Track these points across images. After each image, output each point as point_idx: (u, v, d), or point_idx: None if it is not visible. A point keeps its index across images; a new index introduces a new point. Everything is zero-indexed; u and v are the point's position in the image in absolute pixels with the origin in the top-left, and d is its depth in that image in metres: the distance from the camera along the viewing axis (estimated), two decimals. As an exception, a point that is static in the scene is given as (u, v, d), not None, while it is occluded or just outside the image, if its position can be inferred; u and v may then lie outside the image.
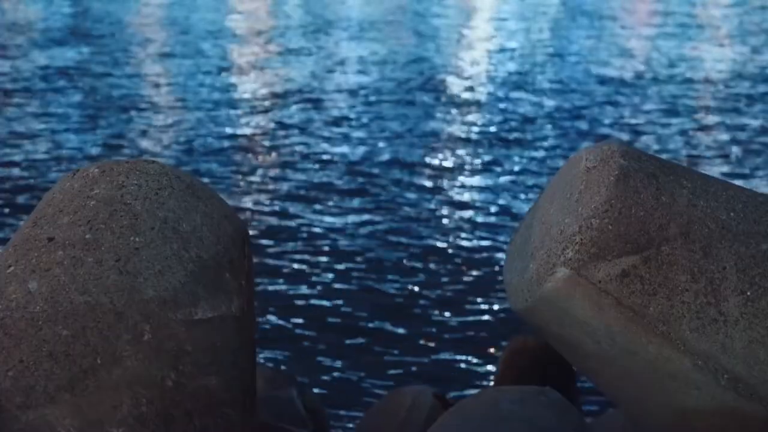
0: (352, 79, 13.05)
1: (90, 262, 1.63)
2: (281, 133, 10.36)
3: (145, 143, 9.91)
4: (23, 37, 15.56)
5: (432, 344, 5.71)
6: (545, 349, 2.59)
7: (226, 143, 9.94)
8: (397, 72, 13.48)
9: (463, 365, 5.49)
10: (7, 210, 7.79)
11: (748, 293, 1.70)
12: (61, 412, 1.53)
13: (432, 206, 8.02)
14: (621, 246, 1.68)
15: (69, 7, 18.73)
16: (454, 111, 11.42)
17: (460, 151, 9.73)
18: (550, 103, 11.71)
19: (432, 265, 6.79)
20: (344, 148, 9.73)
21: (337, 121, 10.82)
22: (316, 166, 9.15)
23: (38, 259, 1.64)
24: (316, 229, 7.47)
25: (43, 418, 1.52)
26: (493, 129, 10.56)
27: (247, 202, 8.10)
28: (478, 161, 9.41)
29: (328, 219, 7.70)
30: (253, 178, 8.81)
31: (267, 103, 11.73)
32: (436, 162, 9.34)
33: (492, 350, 5.62)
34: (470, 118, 11.06)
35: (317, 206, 8.00)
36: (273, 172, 8.95)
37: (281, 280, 6.52)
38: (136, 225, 1.71)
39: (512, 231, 7.11)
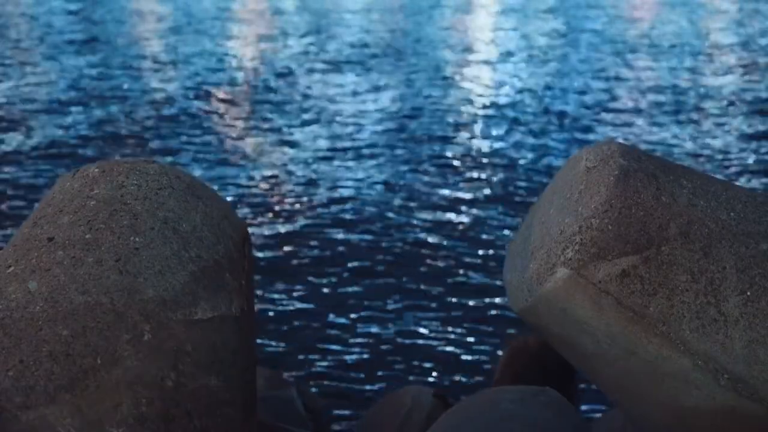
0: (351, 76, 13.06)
1: (90, 262, 1.63)
2: (281, 131, 10.37)
3: (146, 142, 9.92)
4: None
5: (432, 344, 5.71)
6: (545, 349, 2.59)
7: (226, 142, 9.95)
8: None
9: (463, 365, 5.49)
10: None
11: (748, 293, 1.70)
12: (61, 412, 1.52)
13: (431, 206, 8.02)
14: (621, 246, 1.68)
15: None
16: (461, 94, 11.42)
17: (457, 149, 9.73)
18: (549, 100, 11.71)
19: (432, 266, 6.79)
20: (345, 144, 9.74)
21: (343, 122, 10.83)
22: (316, 164, 9.16)
23: (38, 259, 1.64)
24: (317, 229, 7.47)
25: (43, 418, 1.52)
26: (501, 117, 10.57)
27: (247, 202, 8.10)
28: (475, 160, 9.40)
29: (328, 218, 7.70)
30: (253, 178, 8.81)
31: (267, 103, 11.74)
32: (432, 159, 9.34)
33: (492, 350, 5.62)
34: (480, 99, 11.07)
35: (316, 205, 8.00)
36: (273, 172, 8.95)
37: (281, 280, 6.53)
38: (136, 225, 1.71)
39: (513, 231, 7.11)
